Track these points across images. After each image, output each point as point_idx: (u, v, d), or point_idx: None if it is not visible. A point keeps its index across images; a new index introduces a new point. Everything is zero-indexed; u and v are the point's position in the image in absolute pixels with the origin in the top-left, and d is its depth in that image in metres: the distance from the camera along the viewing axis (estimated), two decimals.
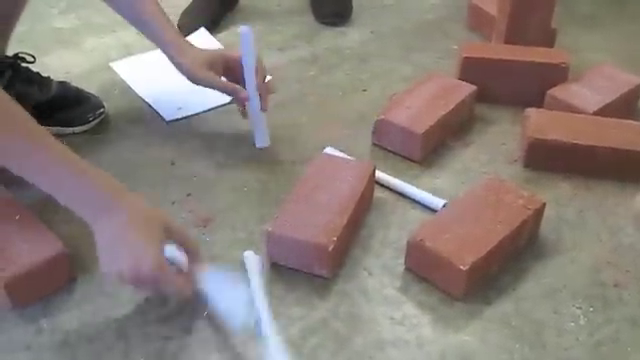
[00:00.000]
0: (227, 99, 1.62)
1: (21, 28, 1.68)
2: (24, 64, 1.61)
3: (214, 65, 1.51)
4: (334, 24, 2.15)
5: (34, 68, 1.64)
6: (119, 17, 2.06)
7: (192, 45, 1.52)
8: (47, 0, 1.88)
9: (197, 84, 1.51)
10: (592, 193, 1.51)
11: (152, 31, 1.51)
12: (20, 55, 1.60)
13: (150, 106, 1.74)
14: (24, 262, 1.22)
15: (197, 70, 1.49)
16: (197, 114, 1.70)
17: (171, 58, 1.51)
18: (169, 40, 1.50)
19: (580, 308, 1.26)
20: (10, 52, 1.61)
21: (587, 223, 1.44)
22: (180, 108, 1.67)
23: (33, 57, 1.62)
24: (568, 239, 1.40)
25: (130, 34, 2.04)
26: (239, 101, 1.55)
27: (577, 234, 1.41)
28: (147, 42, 1.55)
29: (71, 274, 1.28)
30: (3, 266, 1.21)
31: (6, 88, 1.56)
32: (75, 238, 1.34)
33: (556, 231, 1.42)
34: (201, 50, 1.53)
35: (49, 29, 1.77)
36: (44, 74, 1.65)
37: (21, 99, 1.55)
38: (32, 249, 1.24)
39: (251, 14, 2.18)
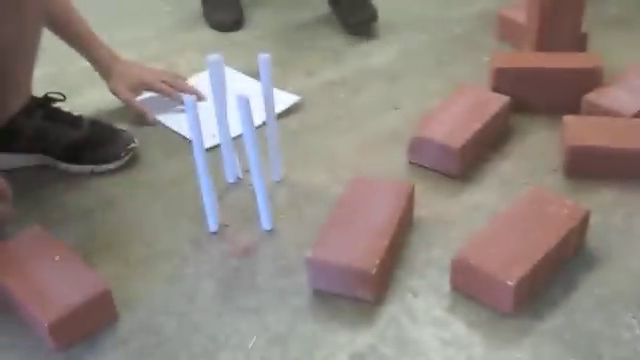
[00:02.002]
0: (258, 122, 1.60)
1: (51, 69, 1.70)
2: (55, 104, 1.62)
3: (135, 88, 1.79)
4: (364, 32, 2.18)
5: (65, 108, 1.65)
6: (147, 53, 2.10)
7: (120, 63, 1.76)
8: None
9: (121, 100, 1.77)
10: (637, 197, 1.48)
11: (84, 50, 1.72)
12: (50, 95, 1.61)
13: (184, 137, 1.74)
14: (67, 303, 1.22)
15: (118, 91, 1.77)
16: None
17: (101, 75, 1.76)
18: (97, 59, 1.74)
19: (635, 317, 1.22)
20: (40, 93, 1.62)
21: (634, 228, 1.41)
22: (215, 135, 1.64)
23: (63, 96, 1.64)
24: (616, 246, 1.37)
25: (160, 68, 2.04)
26: (147, 124, 1.78)
27: (625, 241, 1.38)
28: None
29: (115, 312, 1.28)
30: (46, 308, 1.21)
31: (38, 128, 1.57)
32: (117, 276, 1.34)
33: (603, 239, 1.38)
34: (127, 69, 1.77)
35: (78, 69, 1.79)
36: (75, 113, 1.66)
37: (54, 138, 1.59)
38: (74, 289, 1.24)
39: (276, 40, 2.18)
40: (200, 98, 1.82)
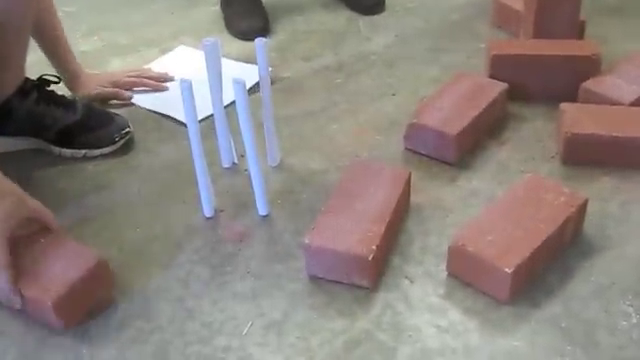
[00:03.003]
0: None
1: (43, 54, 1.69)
2: (49, 87, 1.61)
3: (102, 83, 1.80)
4: (373, 13, 2.20)
5: (59, 91, 1.64)
6: (142, 37, 2.09)
7: (85, 73, 1.78)
8: (69, 24, 1.88)
9: (93, 101, 1.76)
10: (634, 186, 1.47)
11: (59, 57, 1.72)
12: (44, 77, 1.60)
13: (169, 117, 1.74)
14: (66, 279, 1.20)
15: (89, 90, 1.77)
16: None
17: (68, 82, 1.75)
18: (69, 68, 1.74)
19: (631, 305, 1.22)
20: (35, 75, 1.60)
21: (631, 217, 1.40)
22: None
23: (58, 78, 1.63)
24: (613, 234, 1.36)
25: (154, 52, 2.03)
26: (122, 100, 1.81)
27: (622, 229, 1.37)
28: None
29: (112, 280, 1.29)
30: (46, 287, 1.19)
31: (32, 110, 1.56)
32: (111, 261, 1.33)
33: (600, 227, 1.38)
34: (93, 76, 1.82)
35: (74, 52, 1.78)
36: (69, 97, 1.65)
37: (48, 121, 1.58)
38: (70, 265, 1.23)
39: (273, 25, 2.16)
40: (167, 80, 1.87)
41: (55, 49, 1.71)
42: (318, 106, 1.78)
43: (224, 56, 1.64)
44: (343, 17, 2.19)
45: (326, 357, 1.16)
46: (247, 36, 2.06)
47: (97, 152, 1.62)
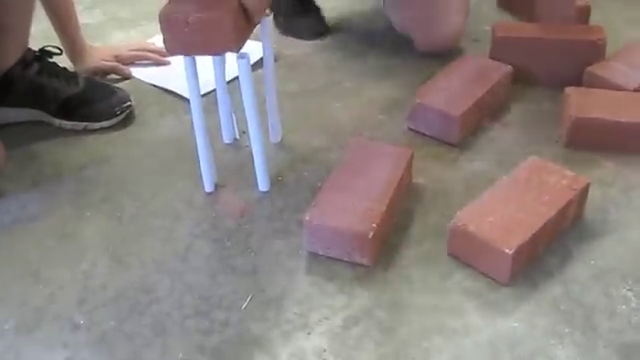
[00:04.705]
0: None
1: (47, 25, 1.68)
2: (51, 59, 1.60)
3: (104, 57, 1.80)
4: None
5: (61, 64, 1.63)
6: (144, 11, 2.08)
7: (90, 47, 1.78)
8: None
9: (94, 75, 1.76)
10: (636, 171, 1.47)
11: (67, 29, 1.71)
12: (46, 49, 1.59)
13: (170, 91, 1.74)
14: None
15: (91, 62, 1.77)
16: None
17: (73, 55, 1.74)
18: (75, 40, 1.73)
19: (631, 290, 1.21)
20: (37, 47, 1.59)
21: (633, 202, 1.40)
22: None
23: (60, 49, 1.62)
24: (614, 219, 1.36)
25: (155, 26, 2.01)
26: (121, 76, 1.81)
27: (623, 213, 1.37)
28: None
29: None
30: None
31: (33, 82, 1.55)
32: (110, 233, 1.33)
33: (602, 211, 1.37)
34: (96, 49, 1.81)
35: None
36: (71, 69, 1.64)
37: (50, 93, 1.57)
38: None
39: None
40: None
41: (65, 21, 1.69)
42: (321, 84, 1.77)
43: None
44: None
45: (324, 334, 1.15)
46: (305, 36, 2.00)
47: (97, 125, 1.61)
